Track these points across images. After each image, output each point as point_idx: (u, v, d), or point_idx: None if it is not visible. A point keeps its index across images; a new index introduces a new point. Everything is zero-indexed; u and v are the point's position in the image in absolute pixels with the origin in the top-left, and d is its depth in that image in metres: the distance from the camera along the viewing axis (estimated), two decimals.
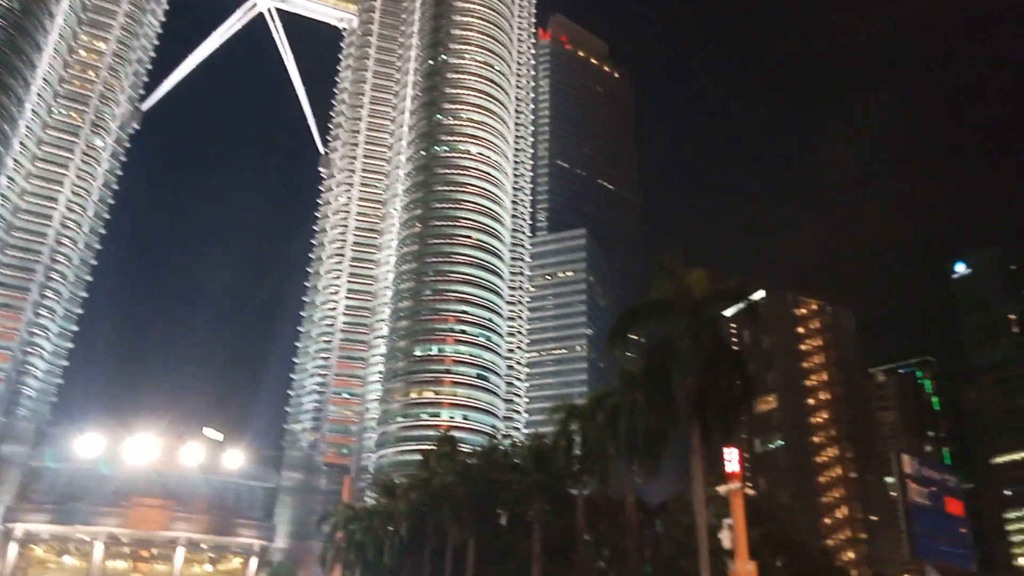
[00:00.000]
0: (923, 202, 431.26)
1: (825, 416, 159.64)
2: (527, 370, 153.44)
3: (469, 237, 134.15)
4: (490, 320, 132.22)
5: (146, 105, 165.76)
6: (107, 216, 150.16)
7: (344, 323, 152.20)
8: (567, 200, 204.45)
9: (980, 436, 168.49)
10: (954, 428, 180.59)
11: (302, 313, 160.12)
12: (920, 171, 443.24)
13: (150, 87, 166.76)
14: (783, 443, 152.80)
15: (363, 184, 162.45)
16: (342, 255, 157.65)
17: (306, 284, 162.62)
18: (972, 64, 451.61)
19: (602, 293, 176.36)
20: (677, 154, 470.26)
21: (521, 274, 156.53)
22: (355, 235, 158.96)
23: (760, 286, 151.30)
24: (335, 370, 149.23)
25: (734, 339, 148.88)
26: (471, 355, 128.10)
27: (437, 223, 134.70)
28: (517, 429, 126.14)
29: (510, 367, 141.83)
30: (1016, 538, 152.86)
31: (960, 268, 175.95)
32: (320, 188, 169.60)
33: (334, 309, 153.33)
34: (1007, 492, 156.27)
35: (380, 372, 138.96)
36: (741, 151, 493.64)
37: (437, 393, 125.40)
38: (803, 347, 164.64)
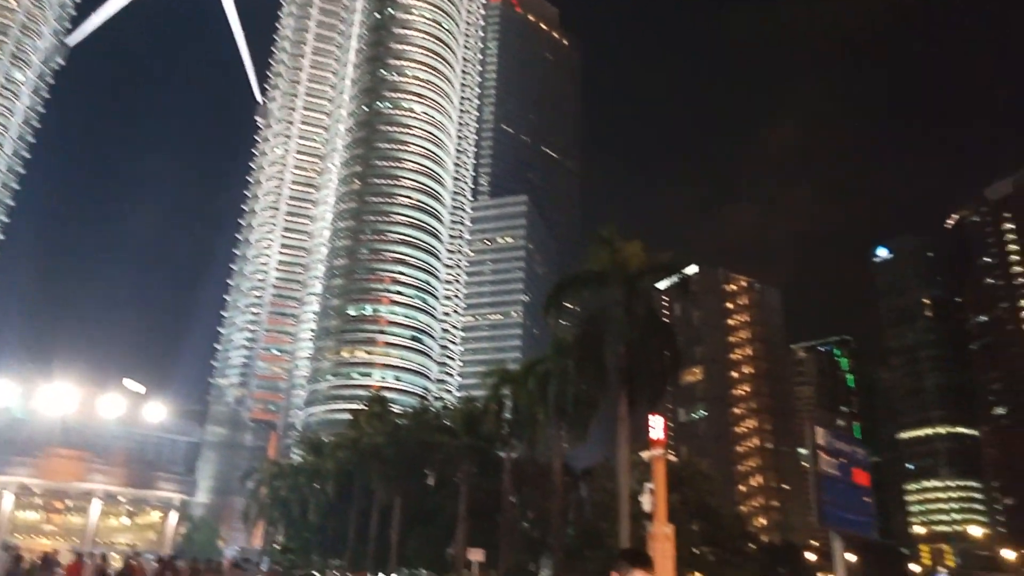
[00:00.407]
0: (851, 188, 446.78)
1: (747, 389, 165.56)
2: (462, 334, 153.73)
3: (409, 197, 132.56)
4: (427, 282, 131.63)
5: (73, 40, 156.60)
6: (27, 155, 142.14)
7: (276, 278, 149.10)
8: (510, 166, 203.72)
9: (888, 413, 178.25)
10: (865, 404, 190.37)
11: (232, 266, 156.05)
12: (850, 159, 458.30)
13: (77, 21, 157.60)
14: (706, 413, 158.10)
15: (301, 137, 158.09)
16: (276, 208, 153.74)
17: (237, 236, 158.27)
18: (906, 58, 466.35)
19: (540, 261, 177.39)
20: (620, 127, 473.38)
21: (460, 238, 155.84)
22: (291, 189, 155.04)
23: (693, 261, 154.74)
24: (265, 326, 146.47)
25: (665, 312, 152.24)
26: (406, 316, 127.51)
27: (377, 181, 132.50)
28: (449, 392, 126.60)
29: (445, 330, 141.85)
30: (914, 508, 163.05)
31: (882, 253, 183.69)
32: (256, 138, 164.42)
33: (266, 263, 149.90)
34: (909, 466, 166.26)
35: (312, 330, 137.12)
36: (682, 128, 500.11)
37: (370, 353, 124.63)
38: (730, 322, 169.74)
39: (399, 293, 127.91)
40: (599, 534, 32.29)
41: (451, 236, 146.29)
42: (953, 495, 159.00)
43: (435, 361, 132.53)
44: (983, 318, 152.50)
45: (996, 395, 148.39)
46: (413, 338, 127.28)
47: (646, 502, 12.85)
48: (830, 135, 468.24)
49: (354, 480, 50.21)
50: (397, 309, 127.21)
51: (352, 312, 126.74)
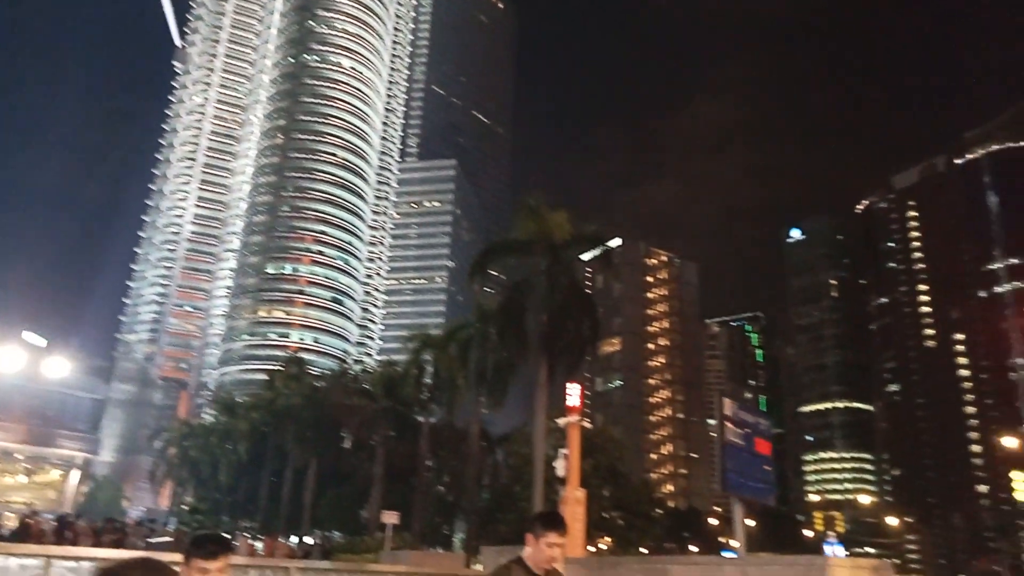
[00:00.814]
0: (772, 169, 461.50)
1: (662, 361, 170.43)
2: (384, 297, 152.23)
3: (334, 155, 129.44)
4: (350, 243, 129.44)
5: None
6: None
7: (191, 232, 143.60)
8: (439, 129, 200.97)
9: (792, 387, 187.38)
10: (771, 379, 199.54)
11: (145, 217, 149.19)
12: (772, 140, 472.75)
13: None
14: (621, 383, 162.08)
15: (222, 86, 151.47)
16: (193, 159, 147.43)
17: (151, 186, 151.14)
18: (832, 43, 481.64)
19: (467, 227, 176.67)
20: (552, 96, 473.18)
21: (386, 199, 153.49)
22: (210, 139, 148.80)
23: (617, 234, 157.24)
24: (178, 281, 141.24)
25: (588, 283, 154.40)
26: (327, 277, 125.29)
27: (301, 137, 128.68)
28: (369, 355, 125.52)
29: (367, 293, 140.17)
30: (810, 478, 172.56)
31: (795, 234, 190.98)
32: (174, 84, 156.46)
33: (181, 216, 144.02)
34: (808, 438, 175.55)
35: (228, 287, 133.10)
36: (614, 101, 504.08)
37: (288, 313, 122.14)
38: (650, 295, 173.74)
39: (320, 253, 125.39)
40: (513, 498, 32.92)
41: (376, 197, 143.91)
42: (847, 466, 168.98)
43: (356, 324, 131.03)
44: (883, 300, 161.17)
45: (890, 373, 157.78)
46: (333, 300, 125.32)
47: (560, 467, 13.14)
48: (755, 115, 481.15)
49: (268, 441, 49.47)
50: (318, 269, 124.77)
51: (271, 270, 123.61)
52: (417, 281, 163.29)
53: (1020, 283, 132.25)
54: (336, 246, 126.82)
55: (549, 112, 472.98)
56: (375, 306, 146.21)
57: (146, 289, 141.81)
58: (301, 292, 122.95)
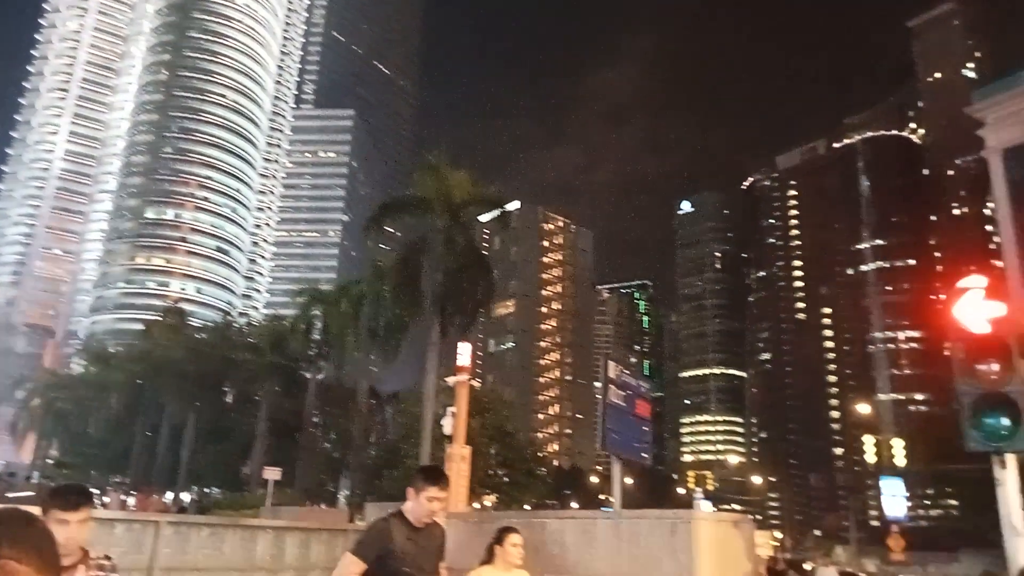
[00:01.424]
0: (668, 141, 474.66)
1: (553, 324, 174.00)
2: (274, 249, 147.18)
3: (223, 96, 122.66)
4: (238, 191, 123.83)
5: None
6: None
7: (62, 170, 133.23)
8: (339, 77, 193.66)
9: (674, 353, 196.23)
10: (656, 345, 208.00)
11: (9, 150, 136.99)
12: (671, 112, 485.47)
13: None
14: (514, 345, 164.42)
15: (101, 12, 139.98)
16: (66, 91, 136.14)
17: (16, 116, 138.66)
18: (734, 22, 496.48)
19: (364, 181, 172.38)
20: (459, 53, 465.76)
21: (278, 147, 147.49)
22: (85, 70, 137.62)
23: (516, 197, 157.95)
24: (46, 221, 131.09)
25: (485, 244, 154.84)
26: (212, 225, 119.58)
27: (187, 74, 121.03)
28: (256, 308, 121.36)
29: (255, 243, 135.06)
30: (686, 439, 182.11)
31: (685, 206, 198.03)
32: (45, 6, 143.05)
33: (51, 151, 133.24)
34: (686, 401, 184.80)
35: (103, 231, 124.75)
36: (519, 63, 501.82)
37: (169, 261, 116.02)
38: (545, 260, 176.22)
39: (206, 199, 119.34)
40: (400, 455, 32.97)
41: (268, 144, 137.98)
42: (719, 428, 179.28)
43: (242, 275, 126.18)
44: (761, 274, 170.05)
45: (763, 342, 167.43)
46: (219, 249, 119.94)
47: (447, 425, 13.20)
48: (654, 88, 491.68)
49: (143, 394, 47.27)
50: (202, 216, 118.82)
51: (151, 215, 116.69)
52: (309, 234, 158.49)
53: (883, 263, 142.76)
54: (223, 193, 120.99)
55: (454, 70, 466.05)
56: (263, 257, 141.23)
57: (9, 229, 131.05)
58: (184, 239, 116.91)
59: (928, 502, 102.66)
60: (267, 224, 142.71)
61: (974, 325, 5.58)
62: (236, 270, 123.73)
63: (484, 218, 41.39)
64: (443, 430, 13.88)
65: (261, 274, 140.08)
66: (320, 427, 44.75)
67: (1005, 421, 5.37)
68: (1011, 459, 5.48)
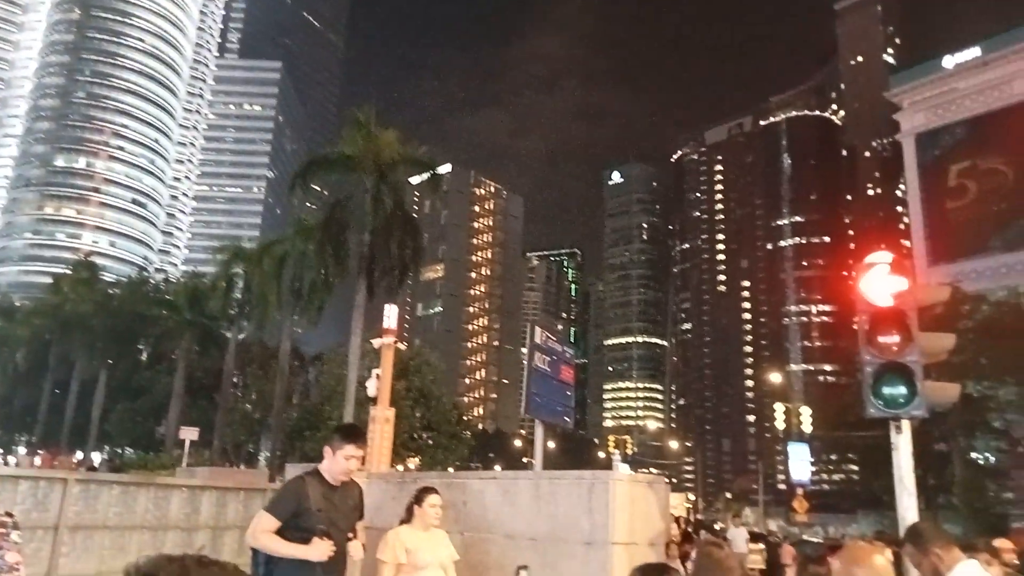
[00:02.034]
0: (601, 110, 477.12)
1: (482, 290, 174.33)
2: (194, 204, 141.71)
3: (141, 40, 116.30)
4: (156, 141, 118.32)
5: None
6: None
7: None
8: (265, 27, 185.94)
9: (599, 321, 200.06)
10: (582, 312, 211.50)
11: None
12: (604, 81, 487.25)
13: None
14: (441, 309, 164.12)
15: None
16: None
17: None
18: None
19: (290, 136, 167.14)
20: (389, 9, 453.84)
21: (200, 97, 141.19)
22: None
23: (447, 160, 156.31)
24: None
25: (415, 207, 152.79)
26: (127, 176, 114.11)
27: (102, 15, 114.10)
28: (174, 265, 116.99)
29: (174, 197, 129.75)
30: (608, 404, 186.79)
31: (615, 176, 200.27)
32: None
33: None
34: (610, 368, 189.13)
35: (7, 177, 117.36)
36: (452, 23, 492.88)
37: (80, 212, 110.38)
38: (475, 225, 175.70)
39: (121, 149, 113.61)
40: (323, 417, 32.67)
41: (189, 94, 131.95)
42: (640, 395, 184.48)
43: (159, 230, 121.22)
44: (686, 246, 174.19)
45: (685, 313, 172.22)
46: (135, 201, 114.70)
47: (371, 387, 13.08)
48: (588, 56, 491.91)
49: (51, 350, 45.18)
50: (117, 167, 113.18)
51: (61, 163, 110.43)
52: (231, 189, 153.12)
53: (799, 239, 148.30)
54: (139, 143, 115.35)
55: (386, 27, 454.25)
56: (183, 212, 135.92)
57: None
58: (96, 190, 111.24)
59: (831, 467, 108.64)
60: (187, 177, 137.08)
61: (878, 299, 5.88)
62: (153, 224, 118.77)
63: (414, 180, 40.86)
64: (367, 392, 13.78)
65: (180, 229, 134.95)
66: (240, 387, 43.83)
67: (902, 389, 5.70)
68: (906, 425, 5.84)
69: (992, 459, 41.90)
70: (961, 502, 34.65)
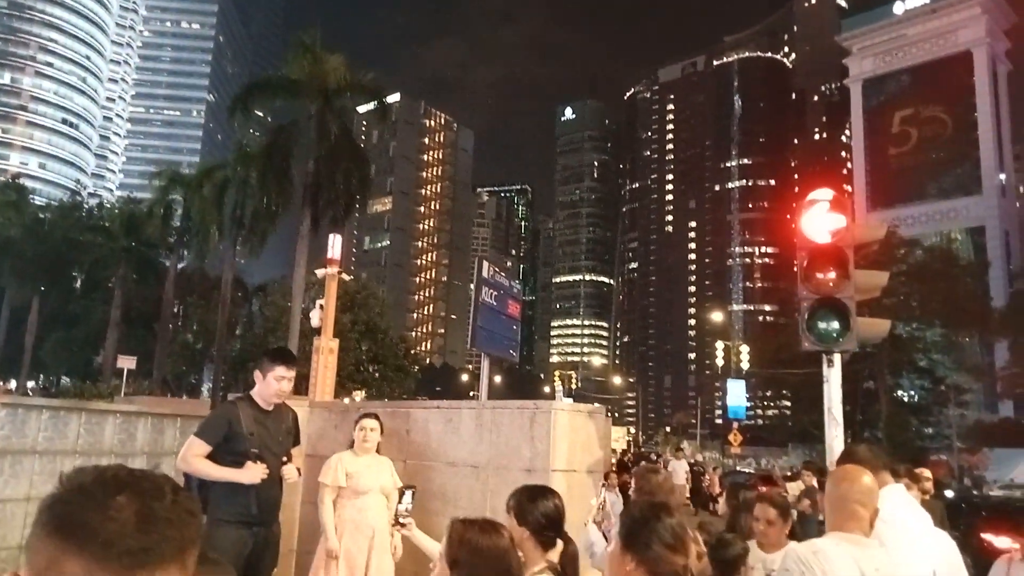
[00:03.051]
0: (555, 45, 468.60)
1: (431, 224, 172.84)
2: (129, 126, 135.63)
3: None
4: (87, 57, 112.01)
5: None
6: None
7: None
8: None
9: (548, 259, 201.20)
10: (532, 249, 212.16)
11: None
12: (559, 16, 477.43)
13: None
14: (389, 243, 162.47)
15: None
16: None
17: None
18: None
19: (231, 58, 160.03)
20: None
21: (134, 12, 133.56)
22: None
23: (396, 89, 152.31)
24: None
25: (362, 137, 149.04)
26: (57, 94, 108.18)
27: None
28: (109, 191, 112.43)
29: (107, 119, 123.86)
30: (555, 341, 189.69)
31: (567, 112, 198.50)
32: None
33: None
34: (557, 306, 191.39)
35: None
36: None
37: (6, 132, 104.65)
38: (425, 158, 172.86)
39: (49, 65, 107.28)
40: (266, 345, 32.32)
41: (123, 8, 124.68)
42: (586, 332, 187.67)
43: (93, 152, 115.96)
44: (635, 185, 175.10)
45: (632, 252, 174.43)
46: (65, 122, 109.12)
47: (315, 317, 12.97)
48: None
49: None
50: (46, 84, 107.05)
51: None
52: (169, 112, 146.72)
53: (746, 181, 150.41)
54: (69, 59, 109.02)
55: None
56: (117, 135, 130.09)
57: None
58: (23, 108, 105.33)
59: (766, 403, 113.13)
60: (121, 98, 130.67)
61: (817, 235, 5.98)
62: (86, 147, 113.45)
63: (362, 109, 39.70)
64: (311, 323, 13.64)
65: (115, 153, 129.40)
66: (181, 318, 42.95)
67: (836, 324, 5.88)
68: (837, 359, 6.03)
69: (916, 397, 44.22)
70: (885, 436, 36.55)
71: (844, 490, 2.48)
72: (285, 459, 4.48)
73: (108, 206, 47.02)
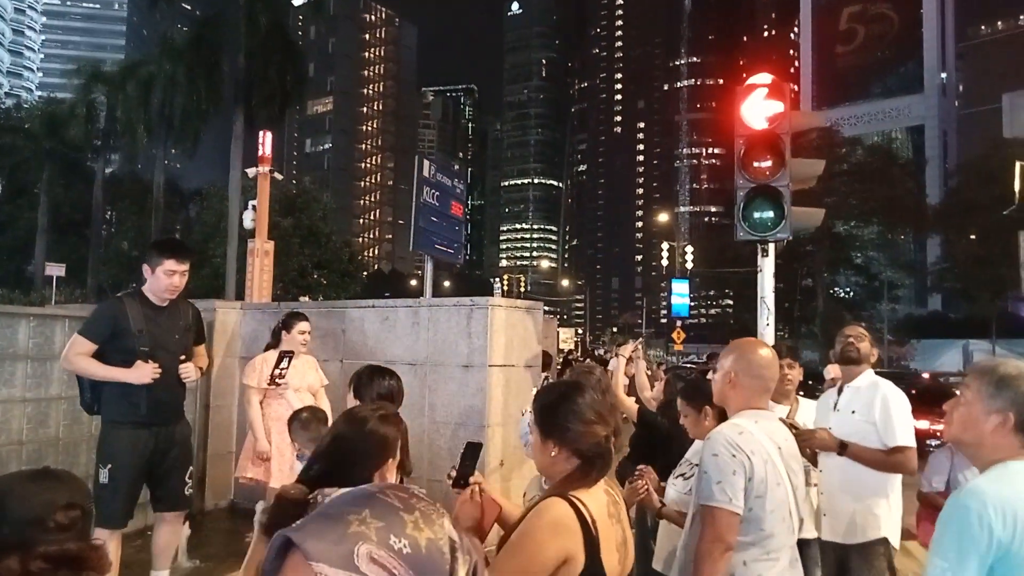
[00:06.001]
0: None
1: (375, 126, 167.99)
2: (45, 20, 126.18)
3: None
4: None
5: None
6: None
7: None
8: None
9: (496, 162, 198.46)
10: (479, 152, 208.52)
11: None
12: None
13: None
14: (332, 146, 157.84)
15: None
16: None
17: None
18: None
19: None
20: None
21: None
22: None
23: None
24: None
25: (298, 32, 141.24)
26: None
27: None
28: (28, 91, 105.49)
29: (19, 11, 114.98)
30: (504, 245, 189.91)
31: (514, 7, 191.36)
32: None
33: None
34: (506, 210, 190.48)
35: None
36: None
37: None
38: (366, 55, 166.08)
39: None
40: (206, 255, 31.43)
41: None
42: (535, 236, 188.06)
43: (6, 48, 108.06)
44: (584, 84, 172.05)
45: (581, 154, 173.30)
46: None
47: (247, 219, 12.55)
48: None
49: None
50: None
51: None
52: (88, 4, 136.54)
53: (695, 80, 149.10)
54: None
55: None
56: (32, 29, 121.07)
57: None
58: None
59: (709, 302, 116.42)
60: None
61: (755, 121, 5.86)
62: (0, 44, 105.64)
63: (297, 2, 37.52)
64: (244, 224, 13.20)
65: (32, 48, 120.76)
66: (115, 224, 41.35)
67: (770, 213, 5.84)
68: (771, 248, 6.04)
69: (852, 293, 45.98)
70: (821, 331, 38.06)
71: (748, 364, 2.46)
72: (183, 357, 4.27)
73: (28, 106, 44.13)
